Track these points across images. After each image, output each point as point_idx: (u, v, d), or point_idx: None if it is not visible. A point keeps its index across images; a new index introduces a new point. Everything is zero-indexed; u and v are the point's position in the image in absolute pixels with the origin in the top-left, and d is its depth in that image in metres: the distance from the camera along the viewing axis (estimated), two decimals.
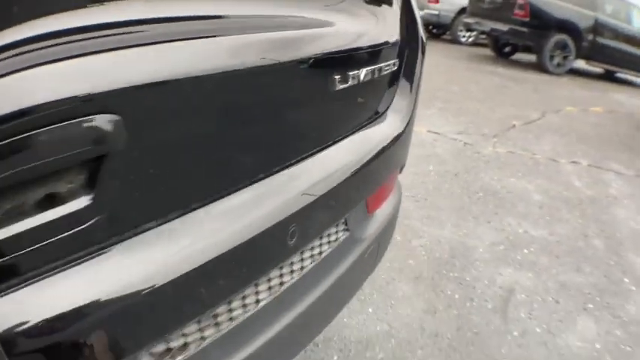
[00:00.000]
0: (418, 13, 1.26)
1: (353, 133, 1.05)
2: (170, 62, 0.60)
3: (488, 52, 10.48)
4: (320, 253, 1.02)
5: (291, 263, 0.94)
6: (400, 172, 1.35)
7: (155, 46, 0.59)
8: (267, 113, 0.80)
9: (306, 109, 0.89)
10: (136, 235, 0.62)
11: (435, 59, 7.91)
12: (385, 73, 1.06)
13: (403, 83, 1.23)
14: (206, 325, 0.78)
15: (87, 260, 0.57)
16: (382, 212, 1.24)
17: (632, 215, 3.30)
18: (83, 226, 0.54)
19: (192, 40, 0.63)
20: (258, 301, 0.85)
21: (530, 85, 7.54)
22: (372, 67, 0.99)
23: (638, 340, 2.05)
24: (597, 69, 10.33)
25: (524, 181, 3.59)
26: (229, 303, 0.81)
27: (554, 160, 4.16)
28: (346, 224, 1.10)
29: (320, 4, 0.91)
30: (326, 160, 0.95)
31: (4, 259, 0.49)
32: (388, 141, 1.13)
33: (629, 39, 9.59)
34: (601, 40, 9.31)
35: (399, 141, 1.17)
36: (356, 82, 0.93)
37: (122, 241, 0.61)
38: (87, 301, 0.56)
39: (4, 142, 0.45)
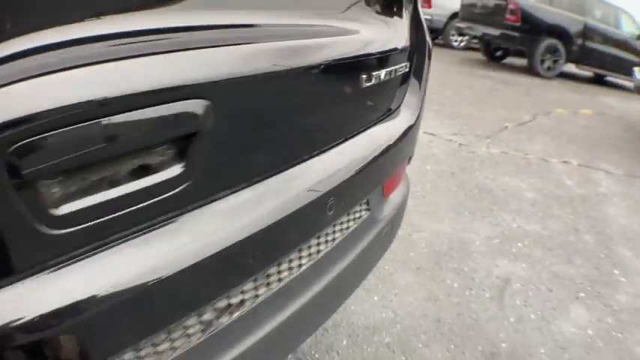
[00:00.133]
0: (425, 22, 1.40)
1: (375, 124, 1.19)
2: (246, 61, 0.73)
3: (480, 56, 10.61)
4: (347, 228, 1.15)
5: (326, 234, 1.07)
6: (408, 163, 1.46)
7: (236, 47, 0.72)
8: (315, 104, 0.94)
9: (342, 101, 1.03)
10: (221, 198, 0.76)
11: None
12: (399, 74, 1.19)
13: (413, 83, 1.37)
14: (261, 284, 0.90)
15: (181, 216, 0.69)
16: (395, 197, 1.37)
17: (621, 212, 3.42)
18: (177, 190, 0.66)
19: (263, 44, 0.76)
20: (300, 265, 0.98)
21: (521, 89, 7.67)
22: (390, 68, 1.12)
23: (629, 327, 2.14)
24: (587, 73, 10.46)
25: (517, 180, 3.70)
26: (279, 265, 0.93)
27: (546, 160, 4.28)
28: (368, 204, 1.23)
29: (343, 15, 1.03)
30: (356, 145, 1.09)
31: (123, 211, 0.60)
32: (401, 132, 1.26)
33: (618, 43, 9.73)
34: (590, 44, 9.45)
35: (410, 133, 1.31)
36: (377, 81, 1.06)
37: (214, 201, 0.74)
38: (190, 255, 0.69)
39: (134, 112, 0.56)
